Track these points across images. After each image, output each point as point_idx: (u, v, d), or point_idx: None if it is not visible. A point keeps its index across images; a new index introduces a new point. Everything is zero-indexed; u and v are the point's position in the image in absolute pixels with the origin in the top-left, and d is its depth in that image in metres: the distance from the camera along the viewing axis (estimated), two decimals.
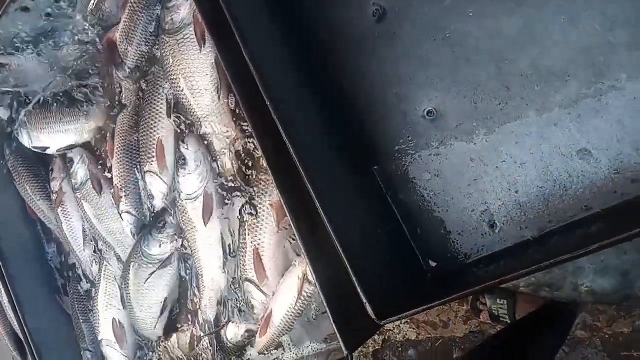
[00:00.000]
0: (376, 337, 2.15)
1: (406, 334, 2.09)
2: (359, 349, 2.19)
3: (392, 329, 2.12)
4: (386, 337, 2.14)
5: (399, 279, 1.06)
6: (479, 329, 1.94)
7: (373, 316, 0.92)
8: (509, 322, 1.66)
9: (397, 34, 1.05)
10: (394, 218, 1.12)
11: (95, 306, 1.76)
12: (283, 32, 1.13)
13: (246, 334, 1.50)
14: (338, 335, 1.08)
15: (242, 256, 1.44)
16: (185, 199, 1.42)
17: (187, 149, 1.39)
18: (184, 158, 1.39)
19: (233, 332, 1.51)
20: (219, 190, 1.42)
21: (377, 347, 2.17)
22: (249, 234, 1.41)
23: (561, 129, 0.90)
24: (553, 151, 0.91)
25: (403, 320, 2.07)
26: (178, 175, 1.42)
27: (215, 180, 1.42)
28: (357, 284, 0.93)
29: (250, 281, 1.44)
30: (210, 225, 1.41)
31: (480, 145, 0.99)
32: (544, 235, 0.92)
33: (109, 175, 1.65)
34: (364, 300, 0.93)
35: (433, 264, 1.09)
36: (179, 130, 1.48)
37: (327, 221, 0.96)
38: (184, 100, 1.42)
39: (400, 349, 2.13)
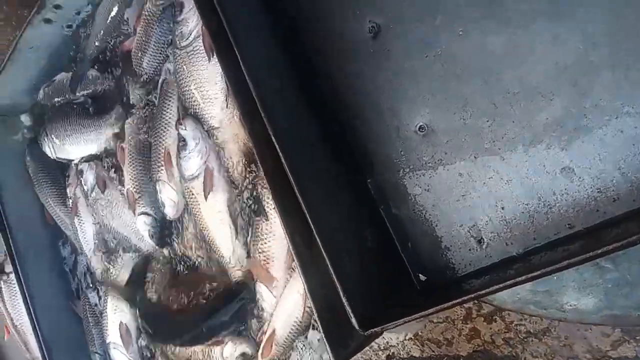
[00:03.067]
0: (380, 353, 2.14)
1: (410, 351, 2.08)
2: None
3: (395, 344, 2.10)
4: (390, 354, 2.13)
5: (388, 292, 1.07)
6: (483, 348, 1.91)
7: (355, 325, 0.93)
8: None
9: (390, 50, 1.07)
10: (385, 231, 1.13)
11: (104, 309, 1.81)
12: (282, 48, 1.16)
13: (241, 357, 1.50)
14: (328, 347, 1.09)
15: (254, 259, 1.44)
16: (189, 179, 1.44)
17: (185, 129, 1.42)
18: (183, 139, 1.42)
19: (229, 352, 1.52)
20: (223, 172, 1.43)
21: None
22: (259, 238, 1.42)
23: (545, 147, 0.90)
24: (538, 169, 0.91)
25: (407, 337, 2.05)
26: (180, 158, 1.44)
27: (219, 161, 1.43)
28: (342, 296, 0.94)
29: (261, 282, 1.44)
30: (216, 198, 1.42)
31: (469, 160, 1.00)
32: (528, 252, 0.92)
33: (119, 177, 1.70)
34: (348, 310, 0.94)
35: (423, 278, 1.09)
36: None
37: (317, 234, 0.97)
38: (196, 109, 1.47)
39: None
